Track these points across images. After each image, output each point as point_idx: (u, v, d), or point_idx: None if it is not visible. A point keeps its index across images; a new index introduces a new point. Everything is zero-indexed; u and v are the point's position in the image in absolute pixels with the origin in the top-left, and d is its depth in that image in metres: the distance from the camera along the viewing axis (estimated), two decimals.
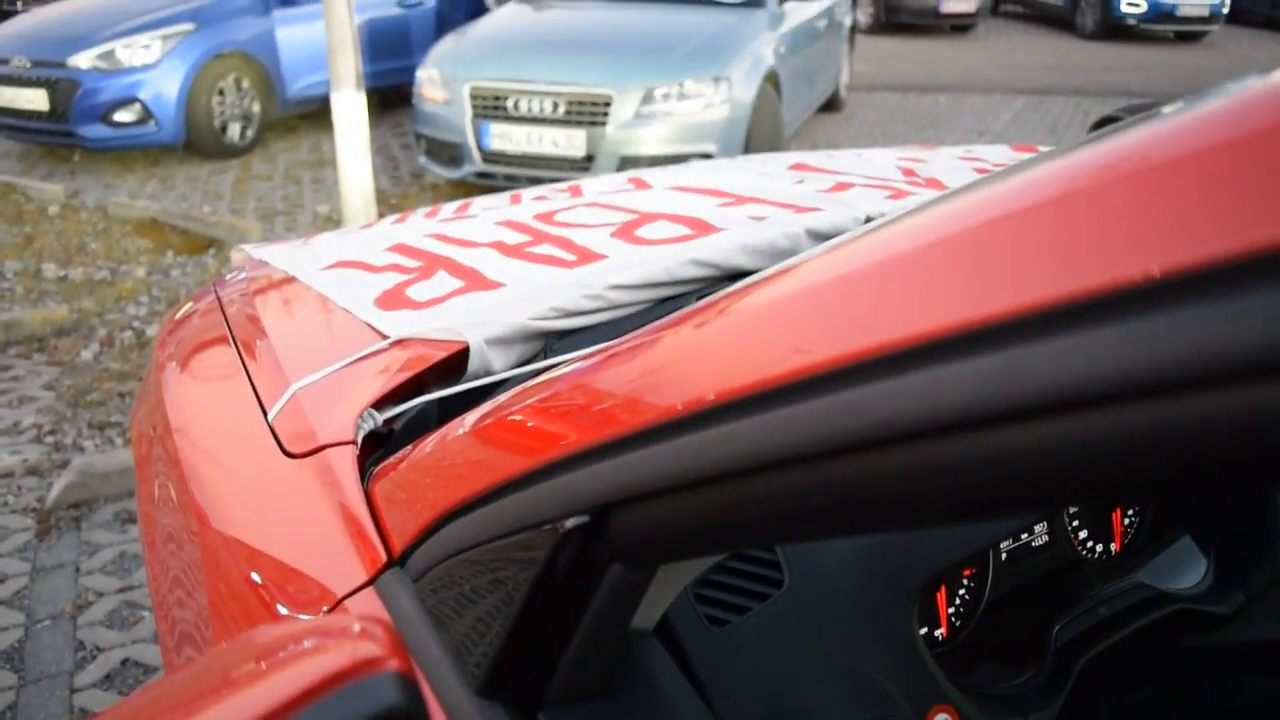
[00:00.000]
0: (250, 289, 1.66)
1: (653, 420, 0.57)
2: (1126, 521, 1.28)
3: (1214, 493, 1.23)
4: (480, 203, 2.05)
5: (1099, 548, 1.25)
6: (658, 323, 0.68)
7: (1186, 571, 1.27)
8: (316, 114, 8.16)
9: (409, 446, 1.00)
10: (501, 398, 0.85)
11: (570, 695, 0.72)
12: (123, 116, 7.02)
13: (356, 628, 0.52)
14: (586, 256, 1.51)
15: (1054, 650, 1.12)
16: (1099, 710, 1.14)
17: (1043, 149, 2.38)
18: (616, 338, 1.29)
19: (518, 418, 0.76)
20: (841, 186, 1.87)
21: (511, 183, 5.84)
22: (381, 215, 5.78)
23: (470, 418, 0.85)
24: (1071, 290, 0.38)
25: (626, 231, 1.63)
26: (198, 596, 1.11)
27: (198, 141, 7.33)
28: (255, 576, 1.00)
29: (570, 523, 0.64)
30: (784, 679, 0.90)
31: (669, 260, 1.43)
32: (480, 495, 0.74)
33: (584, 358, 0.75)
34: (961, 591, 1.12)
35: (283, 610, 0.94)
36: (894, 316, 0.46)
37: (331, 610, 0.88)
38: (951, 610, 1.11)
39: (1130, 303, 0.36)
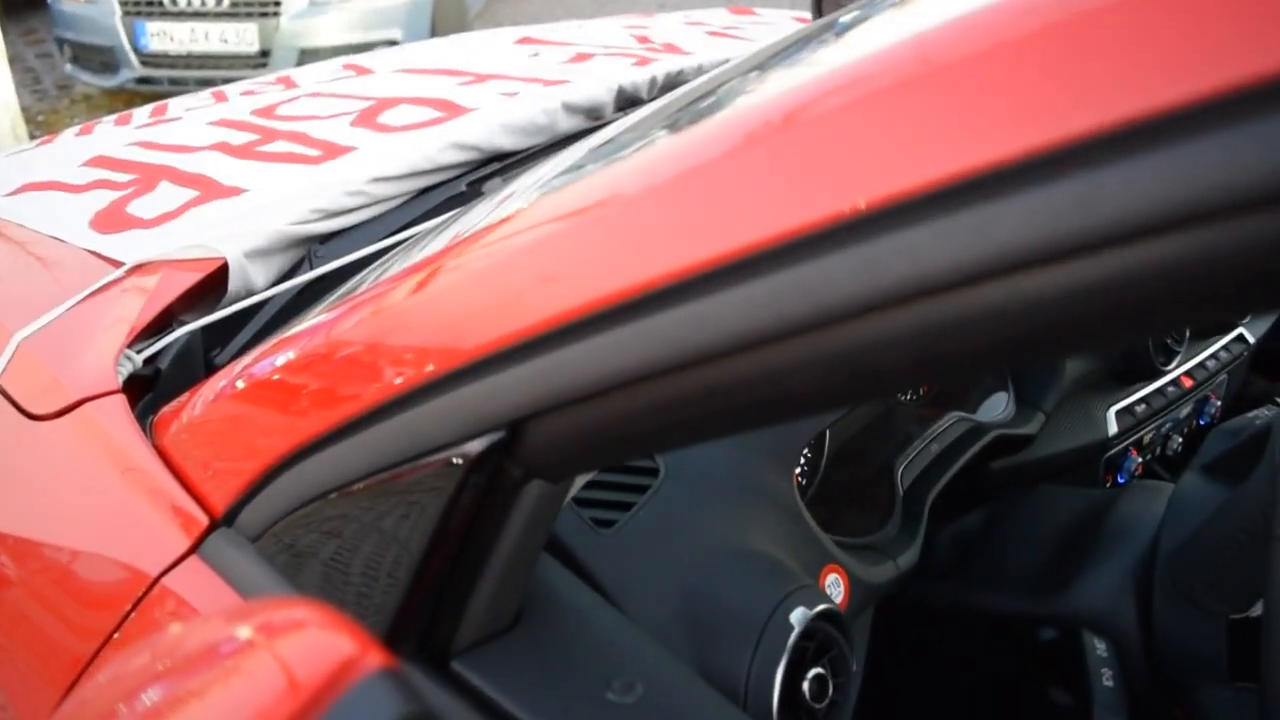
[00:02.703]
0: None
1: (573, 316, 0.49)
2: None
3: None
4: (179, 104, 1.82)
5: (908, 390, 1.29)
6: (540, 206, 0.59)
7: (993, 403, 1.34)
8: None
9: (193, 388, 0.86)
10: (328, 316, 0.72)
11: (482, 635, 0.63)
12: None
13: (244, 631, 0.39)
14: (332, 150, 1.36)
15: (903, 493, 1.14)
16: (940, 538, 1.19)
17: (761, 12, 2.38)
18: (386, 236, 1.18)
19: (364, 337, 0.64)
20: (582, 57, 1.80)
21: (179, 87, 5.30)
22: (31, 135, 5.12)
23: (287, 344, 0.72)
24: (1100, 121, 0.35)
25: (368, 119, 1.48)
26: None
27: None
28: (29, 573, 0.83)
29: (477, 444, 0.54)
30: (687, 570, 0.85)
31: (428, 146, 1.32)
32: (332, 431, 0.63)
33: (433, 259, 0.64)
34: (805, 452, 1.11)
35: (74, 603, 0.79)
36: (820, 191, 0.41)
37: (148, 591, 0.74)
38: (798, 471, 1.10)
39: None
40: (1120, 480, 1.39)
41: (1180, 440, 1.50)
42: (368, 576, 0.63)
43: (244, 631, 0.40)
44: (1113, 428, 1.34)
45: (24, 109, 5.51)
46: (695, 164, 0.47)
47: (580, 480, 0.67)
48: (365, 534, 0.63)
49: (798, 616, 0.82)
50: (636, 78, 1.56)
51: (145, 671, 0.39)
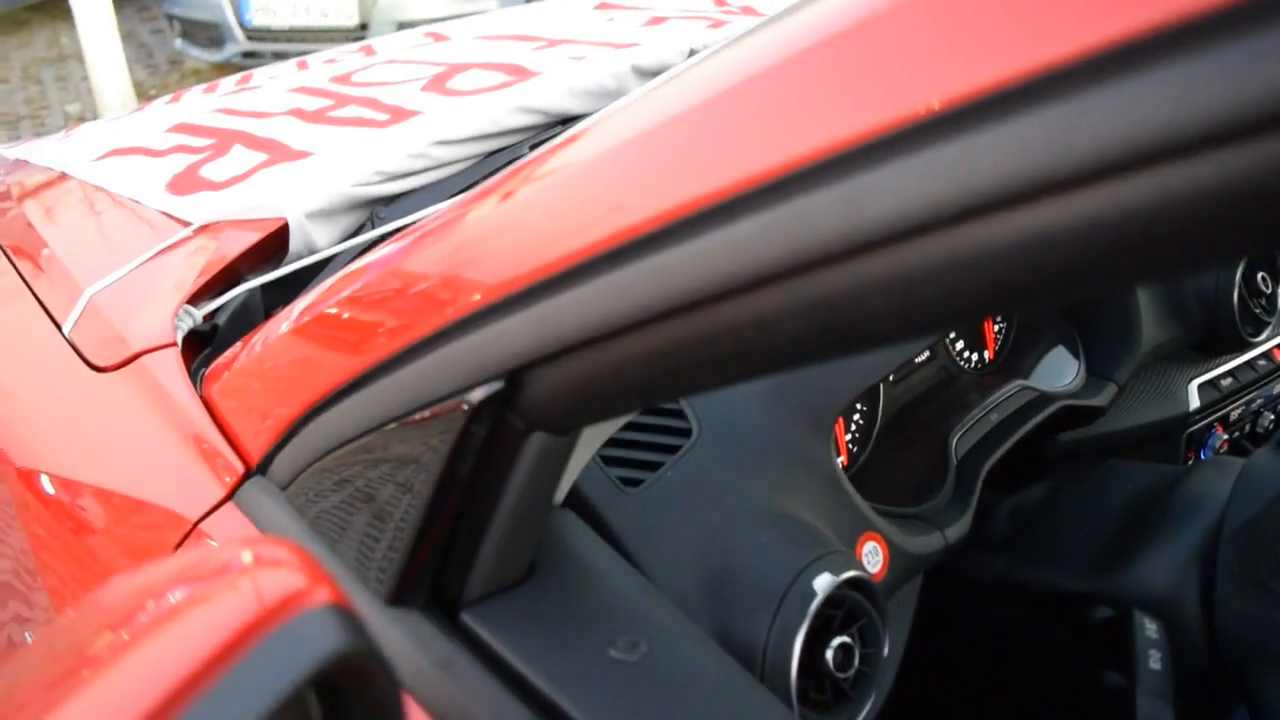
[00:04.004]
0: (13, 193, 1.45)
1: (559, 267, 0.48)
2: (997, 329, 1.28)
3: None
4: (264, 72, 1.86)
5: (974, 356, 1.25)
6: (533, 157, 0.58)
7: (1061, 373, 1.29)
8: (47, 3, 7.36)
9: (241, 342, 0.88)
10: (346, 273, 0.73)
11: (492, 588, 0.64)
12: None
13: (247, 556, 0.42)
14: (399, 114, 1.37)
15: (956, 463, 1.11)
16: (999, 511, 1.15)
17: None
18: (449, 198, 1.19)
19: (378, 292, 0.65)
20: (656, 21, 1.78)
21: (283, 61, 5.42)
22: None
23: (317, 300, 0.73)
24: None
25: (438, 84, 1.49)
26: (13, 542, 0.97)
27: None
28: (82, 512, 0.87)
29: (478, 394, 0.55)
30: (713, 532, 0.84)
31: (494, 110, 1.32)
32: (349, 383, 0.64)
33: (438, 218, 0.65)
34: (856, 417, 1.09)
35: (120, 544, 0.82)
36: (796, 130, 0.39)
37: (187, 537, 0.76)
38: (849, 437, 1.08)
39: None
40: (1204, 458, 1.33)
41: (1272, 418, 1.43)
42: (380, 524, 0.64)
43: (247, 556, 0.43)
44: (1194, 402, 1.28)
45: (137, 83, 5.71)
46: (671, 116, 0.46)
47: (599, 435, 0.66)
48: (377, 482, 0.64)
49: (822, 583, 0.80)
50: (709, 40, 1.54)
51: (176, 577, 0.43)
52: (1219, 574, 0.93)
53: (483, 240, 0.56)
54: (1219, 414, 1.33)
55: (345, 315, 0.68)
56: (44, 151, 1.58)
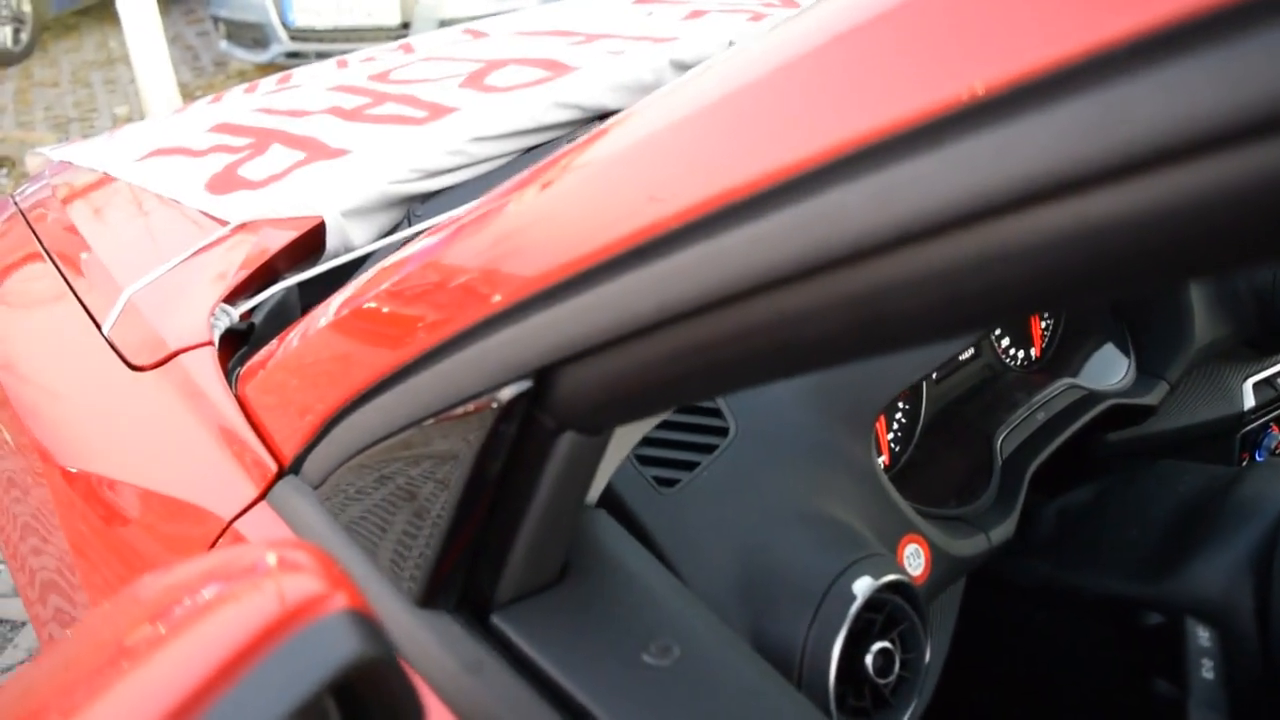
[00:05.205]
0: (57, 195, 1.46)
1: (585, 265, 0.47)
2: (1044, 325, 1.25)
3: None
4: (304, 71, 1.87)
5: (1021, 354, 1.22)
6: (565, 153, 0.57)
7: (1110, 370, 1.26)
8: (96, 8, 7.48)
9: (276, 340, 0.87)
10: (377, 270, 0.72)
11: (524, 589, 0.63)
12: None
13: (272, 558, 0.41)
14: (437, 111, 1.37)
15: (1001, 463, 1.08)
16: (1046, 513, 1.12)
17: None
18: (485, 195, 1.18)
19: (409, 289, 0.64)
20: (696, 14, 1.76)
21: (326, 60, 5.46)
22: None
23: (349, 298, 0.73)
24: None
25: (475, 80, 1.49)
26: (55, 540, 0.97)
27: None
28: (119, 509, 0.87)
29: (508, 392, 0.54)
30: (749, 533, 0.83)
31: (532, 106, 1.31)
32: (380, 381, 0.63)
33: (469, 213, 0.64)
34: (898, 416, 1.07)
35: (157, 543, 0.82)
36: (825, 121, 0.38)
37: (221, 535, 0.76)
38: (891, 436, 1.06)
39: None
40: (1259, 459, 1.29)
41: None
42: (411, 525, 0.63)
43: (272, 558, 0.43)
44: (1249, 401, 1.25)
45: (183, 85, 5.78)
46: (704, 108, 0.45)
47: (633, 434, 0.65)
48: (408, 483, 0.63)
49: (862, 586, 0.78)
50: (749, 33, 1.53)
51: (207, 575, 0.44)
52: (1275, 580, 0.90)
53: (506, 239, 0.55)
54: (1275, 413, 1.29)
55: (379, 310, 0.67)
56: (88, 153, 1.60)
